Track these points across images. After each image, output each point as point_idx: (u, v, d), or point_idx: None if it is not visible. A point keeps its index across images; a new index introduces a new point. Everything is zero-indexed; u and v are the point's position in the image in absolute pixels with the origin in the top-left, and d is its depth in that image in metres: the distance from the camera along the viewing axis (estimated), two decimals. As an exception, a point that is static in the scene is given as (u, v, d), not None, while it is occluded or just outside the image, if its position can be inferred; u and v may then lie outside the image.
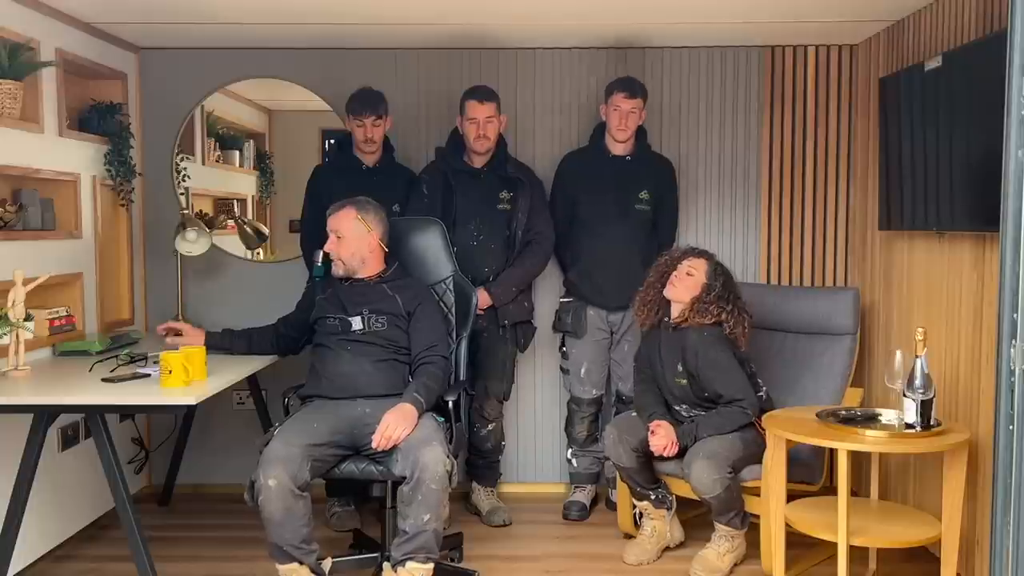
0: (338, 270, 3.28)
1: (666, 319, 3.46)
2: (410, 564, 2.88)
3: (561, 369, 4.09)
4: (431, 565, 2.91)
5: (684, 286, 3.39)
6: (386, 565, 2.97)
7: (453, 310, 3.44)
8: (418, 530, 2.86)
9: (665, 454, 3.28)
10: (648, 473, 3.45)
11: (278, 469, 2.81)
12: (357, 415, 3.08)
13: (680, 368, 3.38)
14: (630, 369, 3.83)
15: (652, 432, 3.30)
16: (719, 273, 3.42)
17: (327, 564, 3.03)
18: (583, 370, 3.97)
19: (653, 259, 3.65)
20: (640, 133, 3.97)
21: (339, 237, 3.25)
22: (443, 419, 3.17)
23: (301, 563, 2.90)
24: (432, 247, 3.49)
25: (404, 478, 2.90)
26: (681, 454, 3.30)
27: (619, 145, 3.91)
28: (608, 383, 4.05)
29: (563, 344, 4.05)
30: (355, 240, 3.25)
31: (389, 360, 3.22)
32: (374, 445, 2.95)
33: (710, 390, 3.35)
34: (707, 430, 3.28)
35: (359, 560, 3.26)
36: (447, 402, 3.18)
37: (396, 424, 2.95)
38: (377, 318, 3.22)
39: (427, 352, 3.21)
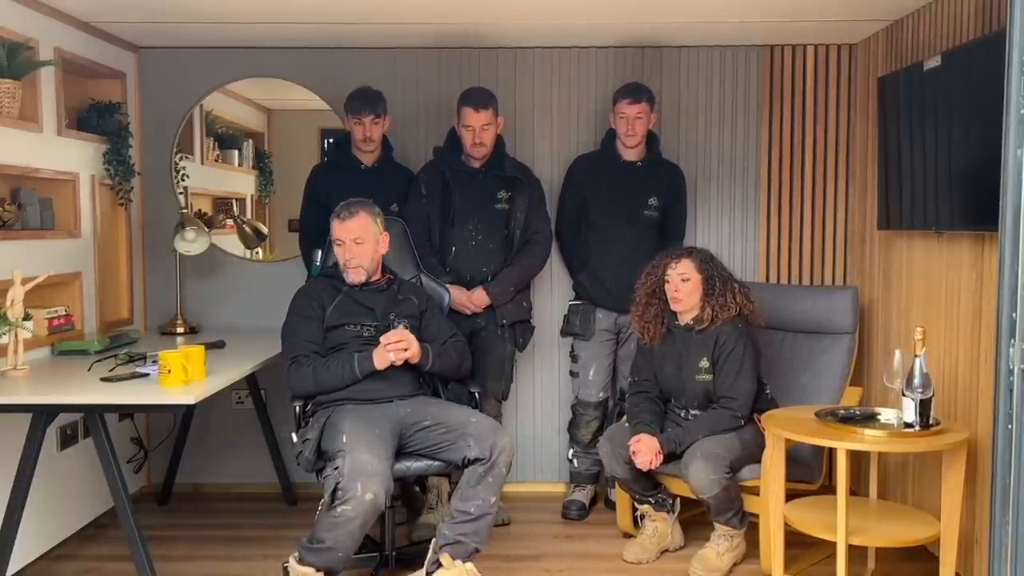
0: (357, 277, 3.23)
1: (675, 324, 3.46)
2: (468, 565, 2.96)
3: (570, 373, 4.09)
4: (471, 564, 2.98)
5: (687, 292, 3.38)
6: (434, 541, 3.01)
7: None
8: (484, 511, 2.96)
9: (652, 467, 3.29)
10: (645, 481, 3.45)
11: (377, 484, 2.78)
12: (402, 416, 3.10)
13: (707, 364, 3.37)
14: None
15: (634, 452, 3.30)
16: (706, 261, 3.42)
17: None
18: (592, 372, 3.97)
19: None
20: (652, 139, 3.96)
21: (358, 243, 3.20)
22: None
23: (329, 571, 2.90)
24: (395, 247, 3.45)
25: (478, 459, 2.98)
26: (673, 457, 3.30)
27: (629, 151, 3.91)
28: (613, 384, 4.05)
29: (572, 348, 4.05)
30: (374, 243, 3.24)
31: None
32: (382, 341, 3.11)
33: (717, 383, 3.36)
34: (697, 434, 3.29)
35: (358, 560, 3.26)
36: (474, 394, 3.38)
37: (412, 343, 3.14)
38: (400, 321, 3.24)
39: (452, 340, 3.32)
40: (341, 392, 3.13)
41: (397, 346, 3.12)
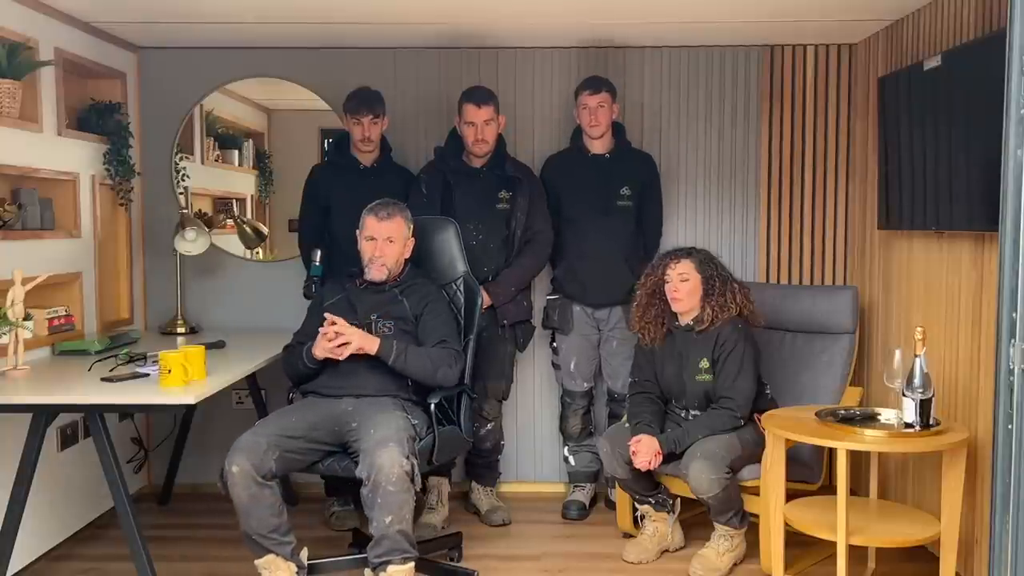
0: (380, 274, 3.25)
1: (676, 324, 3.46)
2: (390, 568, 2.87)
3: (552, 364, 4.11)
4: (411, 564, 2.91)
5: (687, 293, 3.38)
6: (367, 572, 2.95)
7: (463, 311, 3.43)
8: (382, 534, 2.86)
9: (652, 467, 3.29)
10: (645, 481, 3.45)
11: (241, 457, 2.88)
12: (339, 412, 3.09)
13: (707, 364, 3.37)
14: (619, 366, 3.89)
15: (633, 452, 3.30)
16: (706, 262, 3.42)
17: (304, 554, 3.04)
18: (572, 364, 4.00)
19: (637, 256, 3.69)
20: (618, 130, 3.99)
21: (391, 241, 3.24)
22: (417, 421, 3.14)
23: (276, 554, 2.93)
24: (446, 247, 3.49)
25: (361, 479, 2.87)
26: (672, 457, 3.31)
27: (597, 143, 3.93)
28: (599, 378, 4.07)
29: (553, 339, 4.07)
30: (402, 244, 3.27)
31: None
32: (324, 325, 3.09)
33: (717, 383, 3.36)
34: (697, 434, 3.29)
35: (357, 560, 3.26)
36: (430, 404, 3.14)
37: (352, 333, 3.08)
38: (384, 323, 3.22)
39: (439, 345, 3.21)
40: (310, 384, 3.24)
41: (334, 335, 3.10)
